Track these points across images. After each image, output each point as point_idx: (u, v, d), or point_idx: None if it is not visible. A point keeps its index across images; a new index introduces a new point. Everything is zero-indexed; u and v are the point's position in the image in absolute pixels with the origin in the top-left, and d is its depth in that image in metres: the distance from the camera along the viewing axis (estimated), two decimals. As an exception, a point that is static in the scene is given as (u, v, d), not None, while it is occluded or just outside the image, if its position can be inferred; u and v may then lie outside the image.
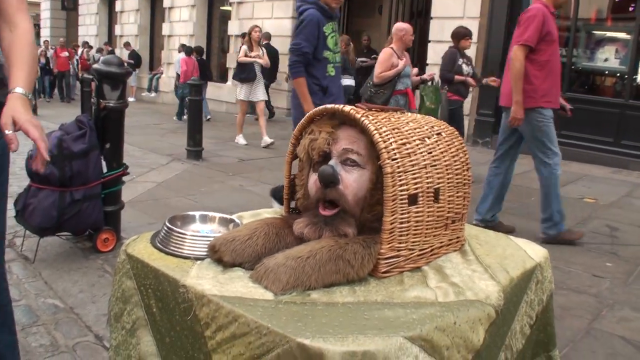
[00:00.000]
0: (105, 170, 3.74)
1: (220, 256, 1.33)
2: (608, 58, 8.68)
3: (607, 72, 9.02)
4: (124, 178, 4.00)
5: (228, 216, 1.62)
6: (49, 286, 3.26)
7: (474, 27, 9.06)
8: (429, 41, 9.88)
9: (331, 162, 1.37)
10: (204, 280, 1.23)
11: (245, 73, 8.83)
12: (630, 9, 8.51)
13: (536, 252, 1.64)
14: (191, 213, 1.59)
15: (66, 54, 16.89)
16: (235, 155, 7.99)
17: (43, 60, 16.20)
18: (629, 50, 8.32)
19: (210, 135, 9.16)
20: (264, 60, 9.13)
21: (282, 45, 12.65)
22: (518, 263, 1.54)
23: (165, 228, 1.45)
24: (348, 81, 9.71)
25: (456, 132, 1.60)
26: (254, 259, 1.32)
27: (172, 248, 1.41)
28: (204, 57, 13.82)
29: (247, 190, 5.96)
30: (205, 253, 1.38)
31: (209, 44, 15.87)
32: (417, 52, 12.16)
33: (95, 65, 4.05)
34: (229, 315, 1.09)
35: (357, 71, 12.10)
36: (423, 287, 1.28)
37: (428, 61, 9.83)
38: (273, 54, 11.43)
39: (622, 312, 3.40)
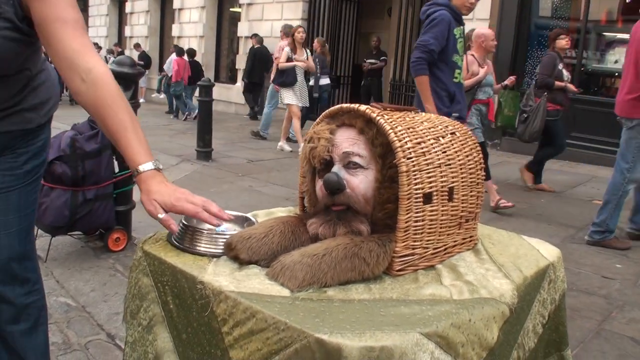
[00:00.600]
0: (117, 170, 3.76)
1: (236, 254, 1.34)
2: (618, 60, 8.65)
3: (617, 73, 8.98)
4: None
5: (243, 214, 1.64)
6: (60, 285, 3.29)
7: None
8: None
9: (334, 169, 1.38)
10: (221, 277, 1.24)
11: (284, 77, 8.38)
12: (641, 10, 8.48)
13: (549, 252, 1.64)
14: (206, 211, 1.61)
15: None
16: (244, 156, 8.02)
17: None
18: None
19: (220, 136, 9.19)
20: (308, 64, 8.66)
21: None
22: (531, 262, 1.54)
23: (182, 225, 1.46)
24: (325, 80, 10.19)
25: (470, 132, 1.61)
26: (270, 256, 1.34)
27: (188, 245, 1.42)
28: (197, 59, 14.24)
29: (256, 191, 5.98)
30: (221, 250, 1.39)
31: (218, 46, 15.92)
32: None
33: (108, 66, 4.09)
34: (247, 311, 1.11)
35: (367, 73, 12.15)
36: (438, 285, 1.29)
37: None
38: (266, 55, 11.87)
39: (632, 314, 3.39)
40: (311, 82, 9.48)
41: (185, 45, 15.17)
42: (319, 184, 1.41)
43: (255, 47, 12.01)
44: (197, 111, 10.97)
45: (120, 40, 20.63)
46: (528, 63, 9.25)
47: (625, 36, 8.71)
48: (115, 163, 3.76)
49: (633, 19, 8.94)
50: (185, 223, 1.47)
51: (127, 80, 3.77)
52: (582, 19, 8.73)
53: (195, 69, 13.38)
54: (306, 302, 1.14)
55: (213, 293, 1.19)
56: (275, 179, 6.60)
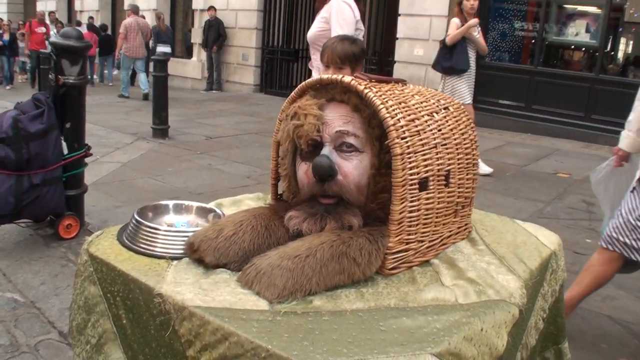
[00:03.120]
0: (65, 151, 3.52)
1: (200, 255, 1.13)
2: (579, 32, 8.63)
3: (577, 46, 8.99)
4: (87, 159, 3.79)
5: (207, 205, 1.41)
6: (7, 278, 3.03)
7: (444, 4, 8.90)
8: (399, 15, 9.66)
9: (325, 151, 1.17)
10: (184, 286, 1.02)
11: (454, 60, 5.59)
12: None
13: (549, 239, 1.49)
14: (164, 202, 1.38)
15: (43, 29, 13.87)
16: (203, 133, 7.72)
17: (7, 37, 13.66)
18: (600, 25, 8.28)
19: (177, 112, 8.83)
20: (481, 43, 5.73)
21: (248, 19, 12.32)
22: (533, 252, 1.38)
23: (134, 221, 1.24)
24: (164, 48, 10.85)
25: (462, 107, 1.42)
26: (241, 258, 1.13)
27: (142, 246, 1.20)
28: (109, 32, 14.89)
29: (216, 169, 5.74)
30: (182, 251, 1.17)
31: (172, 19, 15.33)
32: (386, 25, 11.97)
33: (52, 39, 3.78)
34: (217, 332, 0.90)
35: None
36: (439, 287, 1.11)
37: (398, 35, 9.61)
38: (218, 26, 12.35)
39: (607, 290, 3.34)
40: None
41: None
42: (303, 168, 1.20)
43: (211, 19, 12.25)
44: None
45: (70, 14, 19.62)
46: (489, 36, 9.14)
47: (586, 9, 8.72)
48: (64, 144, 3.51)
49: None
50: (138, 219, 1.24)
51: (74, 54, 3.50)
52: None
53: (107, 43, 13.84)
54: (290, 316, 0.94)
55: (174, 308, 0.97)
56: (236, 156, 6.35)
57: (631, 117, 2.64)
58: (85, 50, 3.63)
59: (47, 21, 15.43)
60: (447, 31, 5.94)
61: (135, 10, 11.84)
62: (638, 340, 2.76)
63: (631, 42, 9.19)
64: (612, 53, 8.92)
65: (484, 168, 5.70)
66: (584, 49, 8.88)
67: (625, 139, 2.71)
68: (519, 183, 5.67)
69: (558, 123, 8.27)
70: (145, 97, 10.56)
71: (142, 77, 11.35)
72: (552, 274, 1.44)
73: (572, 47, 9.04)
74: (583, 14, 8.72)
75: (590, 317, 2.99)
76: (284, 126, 1.23)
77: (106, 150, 6.28)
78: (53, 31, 13.22)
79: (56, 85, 3.48)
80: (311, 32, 3.66)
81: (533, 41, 8.84)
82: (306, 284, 1.02)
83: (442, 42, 5.75)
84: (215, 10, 12.43)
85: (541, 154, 7.22)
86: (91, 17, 16.65)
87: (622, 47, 9.14)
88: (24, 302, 2.78)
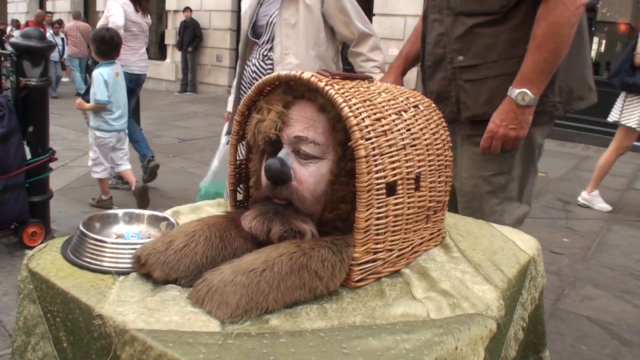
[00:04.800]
0: (29, 156, 3.40)
1: (148, 270, 1.02)
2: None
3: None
4: (53, 164, 3.69)
5: (160, 213, 1.30)
6: (-33, 290, 2.89)
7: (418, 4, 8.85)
8: (374, 14, 9.61)
9: (281, 153, 1.10)
10: (127, 306, 0.92)
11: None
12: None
13: (527, 244, 1.41)
14: (113, 212, 1.27)
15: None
16: (176, 136, 7.58)
17: None
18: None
19: (149, 115, 8.67)
20: None
21: (222, 20, 12.18)
22: (510, 259, 1.30)
23: (78, 233, 1.13)
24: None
25: (433, 105, 1.34)
26: (192, 272, 1.02)
27: (87, 260, 1.09)
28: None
29: (189, 172, 5.62)
30: (129, 266, 1.07)
31: (145, 20, 15.13)
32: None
33: (13, 39, 3.65)
34: (161, 358, 0.80)
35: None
36: (409, 300, 1.02)
37: (374, 35, 9.54)
38: (194, 27, 12.44)
39: (585, 290, 3.32)
40: None
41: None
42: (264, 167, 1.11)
43: (187, 20, 12.29)
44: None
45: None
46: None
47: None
48: (27, 149, 3.39)
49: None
50: (83, 230, 1.13)
51: (36, 55, 3.38)
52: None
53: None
54: (242, 339, 0.84)
55: (115, 332, 0.86)
56: (209, 159, 6.20)
57: None
58: (47, 50, 3.49)
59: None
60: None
61: (76, 15, 12.73)
62: (618, 341, 2.72)
63: (604, 42, 9.27)
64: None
65: (600, 204, 5.07)
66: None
67: None
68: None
69: (533, 122, 8.28)
70: (78, 94, 10.63)
71: (77, 76, 12.31)
72: (532, 281, 1.36)
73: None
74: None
75: (570, 318, 2.95)
76: (251, 120, 1.16)
77: (76, 154, 6.12)
78: (50, 32, 13.14)
79: (17, 88, 3.35)
80: None
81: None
82: (262, 301, 0.92)
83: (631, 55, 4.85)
84: (191, 11, 12.36)
85: (517, 152, 7.21)
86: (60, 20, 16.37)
87: (595, 46, 9.22)
88: (-16, 314, 2.65)
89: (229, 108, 2.94)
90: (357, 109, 1.03)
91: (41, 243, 3.36)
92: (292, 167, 1.09)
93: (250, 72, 2.60)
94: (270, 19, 2.51)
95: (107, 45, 4.24)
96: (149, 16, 5.33)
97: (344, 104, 1.01)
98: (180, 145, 7.07)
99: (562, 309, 3.05)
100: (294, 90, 1.14)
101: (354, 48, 2.66)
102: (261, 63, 2.56)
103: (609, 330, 2.83)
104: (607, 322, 2.90)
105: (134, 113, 5.20)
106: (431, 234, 1.28)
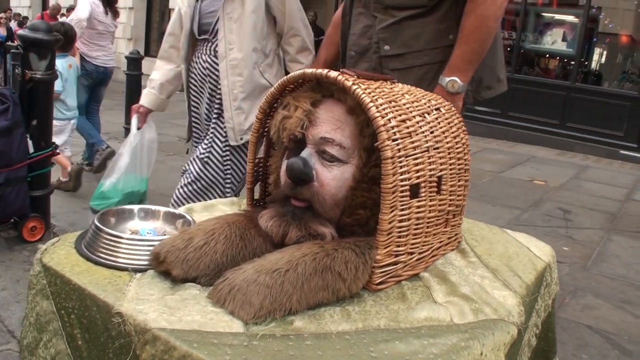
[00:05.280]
0: (31, 150, 3.37)
1: (167, 268, 1.00)
2: (556, 41, 8.69)
3: (553, 55, 9.05)
4: (54, 159, 3.65)
5: (176, 210, 1.28)
6: (-35, 284, 2.86)
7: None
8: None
9: (304, 153, 1.08)
10: (147, 304, 0.90)
11: None
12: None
13: (542, 250, 1.40)
14: (128, 207, 1.25)
15: None
16: (176, 134, 7.54)
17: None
18: (577, 34, 8.35)
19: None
20: None
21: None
22: (527, 265, 1.29)
23: (94, 228, 1.11)
24: None
25: (454, 108, 1.33)
26: (212, 271, 1.01)
27: (102, 256, 1.07)
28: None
29: (190, 172, 5.58)
30: (147, 262, 1.05)
31: (148, 18, 15.11)
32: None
33: (20, 32, 3.63)
34: (185, 359, 0.78)
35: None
36: (432, 304, 1.01)
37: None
38: None
39: (585, 299, 3.31)
40: None
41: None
42: (285, 165, 1.10)
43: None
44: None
45: (45, 9, 19.14)
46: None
47: (563, 18, 8.79)
48: (30, 142, 3.36)
49: (568, 2, 9.05)
50: (99, 225, 1.11)
51: (42, 48, 3.35)
52: (520, 0, 8.68)
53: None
54: (267, 341, 0.82)
55: (136, 330, 0.84)
56: (210, 159, 6.20)
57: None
58: (54, 44, 3.48)
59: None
60: None
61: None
62: (618, 351, 2.72)
63: (605, 52, 9.29)
64: (586, 62, 9.01)
65: None
66: (561, 57, 8.95)
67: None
68: (496, 190, 5.64)
69: (533, 130, 8.31)
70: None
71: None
72: (546, 288, 1.35)
73: (548, 55, 9.10)
74: (560, 23, 8.79)
75: (571, 327, 2.94)
76: (275, 116, 1.13)
77: (75, 150, 6.07)
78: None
79: (23, 81, 3.33)
80: None
81: (509, 49, 8.87)
82: (286, 302, 0.91)
83: None
84: None
85: (517, 160, 7.22)
86: (18, 14, 16.47)
87: (596, 57, 9.24)
88: (-19, 309, 2.62)
89: (142, 101, 2.94)
90: (384, 109, 1.02)
91: (40, 238, 3.38)
92: (314, 168, 1.07)
93: (202, 68, 2.53)
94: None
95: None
96: (117, 20, 5.88)
97: (371, 104, 1.00)
98: (180, 143, 7.02)
99: (563, 317, 3.04)
100: (323, 88, 1.12)
101: (283, 44, 2.54)
102: (213, 58, 2.48)
103: (610, 340, 2.82)
104: (607, 331, 2.90)
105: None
106: (449, 238, 1.27)
